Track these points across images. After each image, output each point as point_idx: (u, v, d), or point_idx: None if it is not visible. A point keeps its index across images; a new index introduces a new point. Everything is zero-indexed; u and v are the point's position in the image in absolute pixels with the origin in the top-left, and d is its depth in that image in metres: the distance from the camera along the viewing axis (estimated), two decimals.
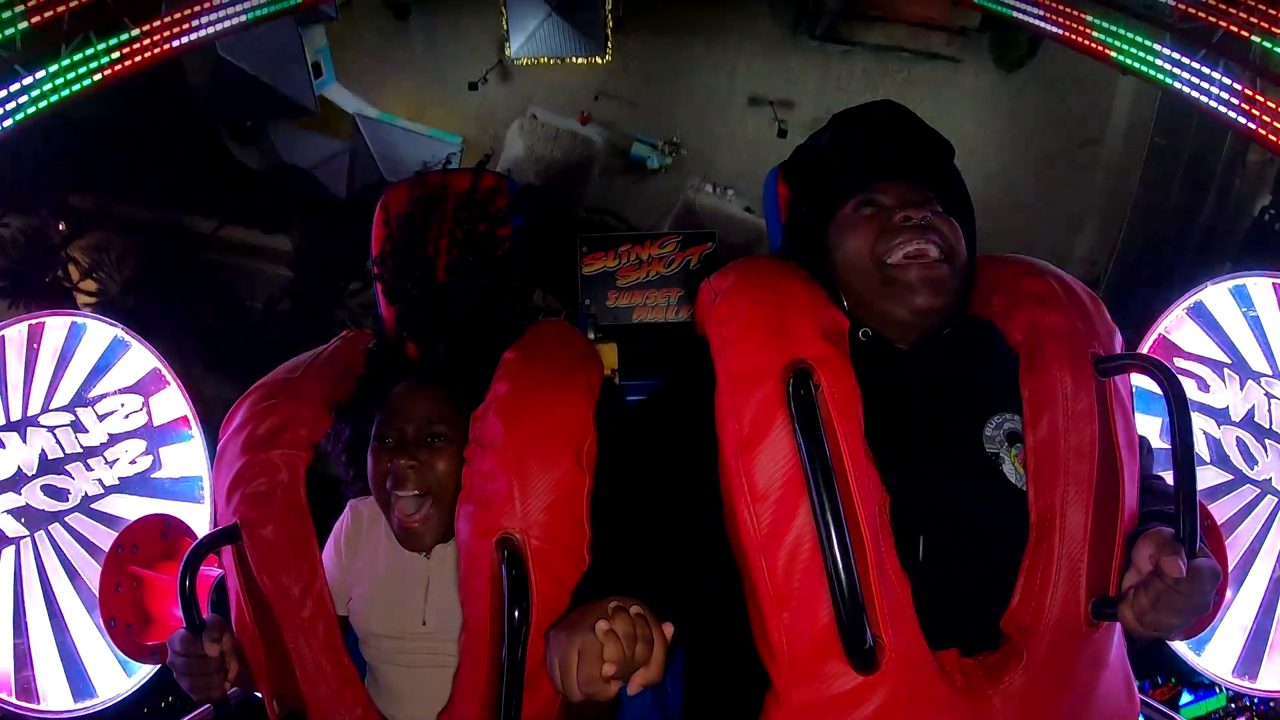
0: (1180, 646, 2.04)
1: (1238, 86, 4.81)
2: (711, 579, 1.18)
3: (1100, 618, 1.12)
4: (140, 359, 2.13)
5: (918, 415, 1.21)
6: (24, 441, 2.06)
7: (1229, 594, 2.02)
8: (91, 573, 2.04)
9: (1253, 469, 2.06)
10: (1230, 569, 1.99)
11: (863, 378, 1.14)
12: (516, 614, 1.18)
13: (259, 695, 1.37)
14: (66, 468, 2.09)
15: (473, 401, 1.34)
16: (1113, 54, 5.41)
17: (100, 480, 2.10)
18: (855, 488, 1.07)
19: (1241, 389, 2.07)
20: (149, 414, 2.12)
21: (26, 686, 2.05)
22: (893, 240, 1.23)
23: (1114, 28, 5.41)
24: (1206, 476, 2.07)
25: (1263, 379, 2.06)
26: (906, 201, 1.26)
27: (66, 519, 2.09)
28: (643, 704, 1.19)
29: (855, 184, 1.32)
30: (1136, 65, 5.31)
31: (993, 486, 1.18)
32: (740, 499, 1.10)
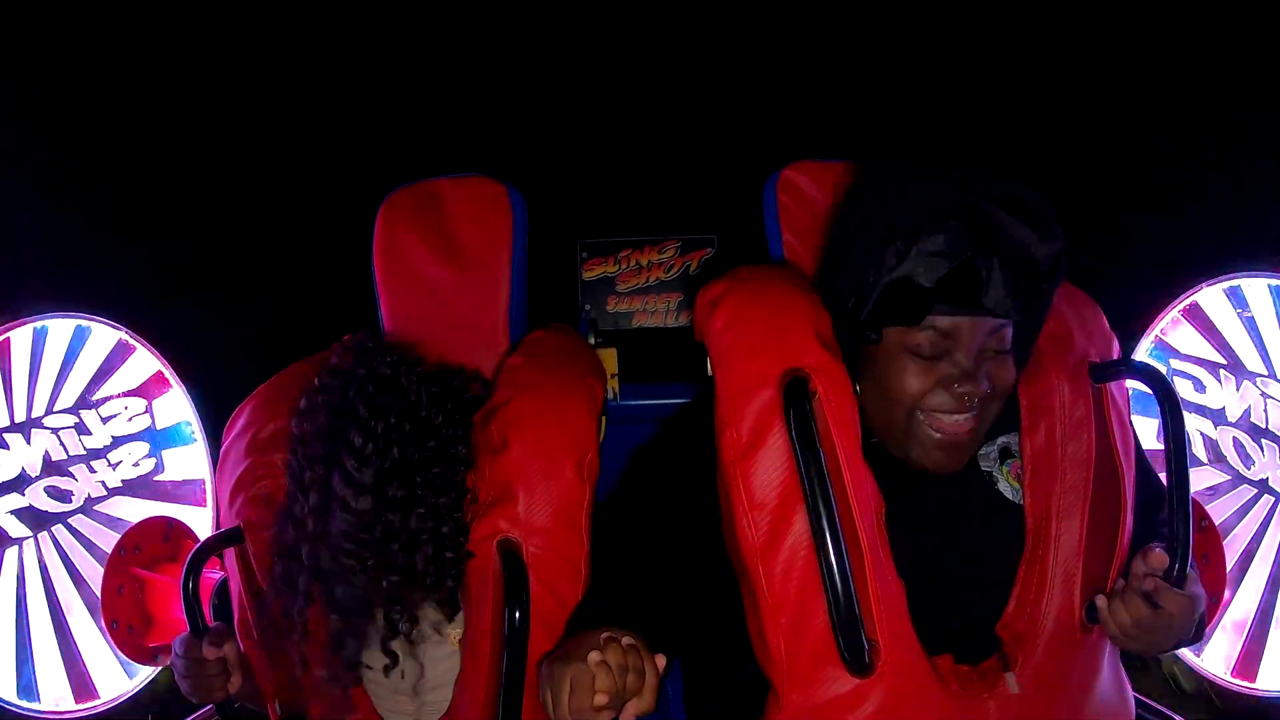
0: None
1: None
2: (711, 585, 1.19)
3: (1093, 620, 1.13)
4: (144, 362, 2.14)
5: None
6: (28, 443, 2.07)
7: (1227, 594, 2.03)
8: (94, 574, 2.04)
9: (1249, 469, 2.07)
10: (1228, 569, 2.00)
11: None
12: (517, 615, 1.18)
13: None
14: (70, 469, 2.10)
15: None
16: None
17: (103, 482, 2.11)
18: (852, 495, 1.07)
19: (1238, 389, 2.08)
20: (152, 417, 2.13)
21: (27, 686, 2.06)
22: (937, 401, 1.08)
23: None
24: (1203, 477, 2.08)
25: (1258, 379, 2.07)
26: (973, 366, 1.07)
27: (69, 520, 2.09)
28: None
29: (923, 302, 1.05)
30: None
31: (988, 503, 1.19)
32: (738, 506, 1.11)
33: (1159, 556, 1.05)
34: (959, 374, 1.08)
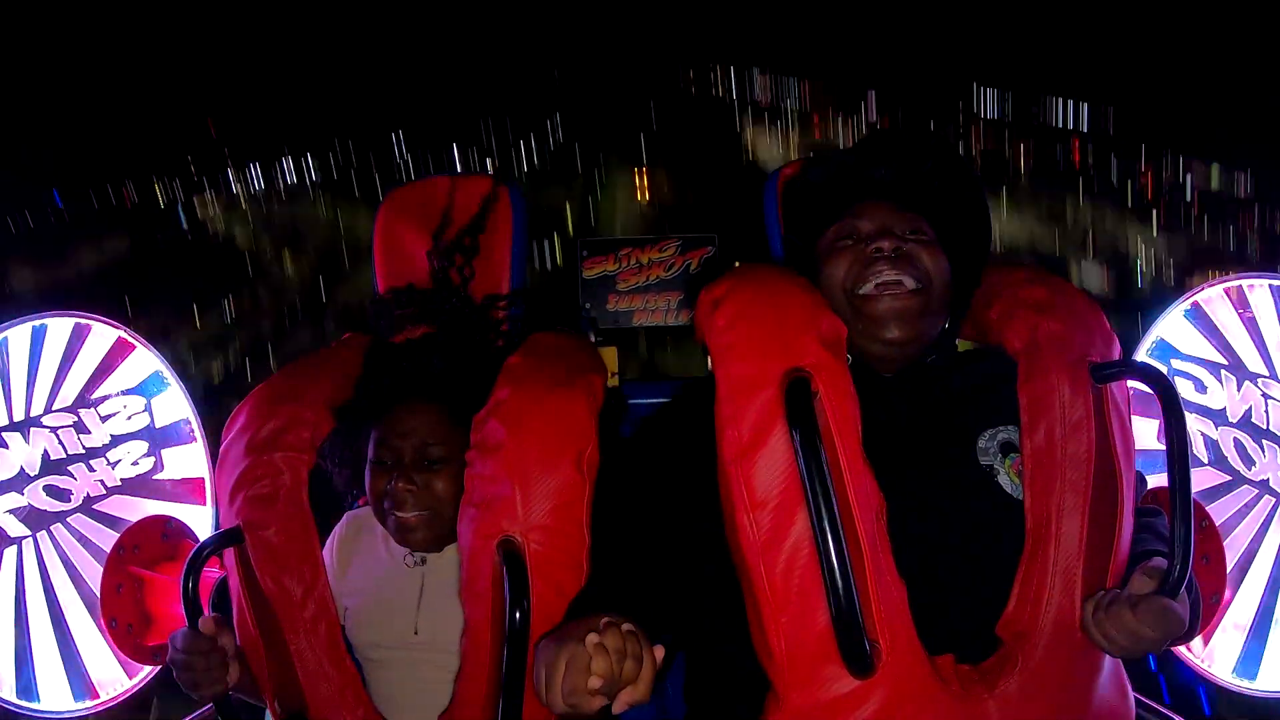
0: (1179, 647, 2.05)
1: None
2: (712, 583, 1.19)
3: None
4: (143, 361, 2.13)
5: (911, 432, 1.22)
6: (27, 442, 2.07)
7: (1227, 594, 2.02)
8: (93, 573, 2.04)
9: (1250, 470, 2.06)
10: (1228, 569, 2.00)
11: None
12: (517, 615, 1.18)
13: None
14: (69, 468, 2.09)
15: (471, 411, 1.34)
16: None
17: (102, 481, 2.11)
18: (853, 495, 1.07)
19: (1239, 390, 2.07)
20: (151, 415, 2.13)
21: (27, 686, 2.05)
22: (865, 271, 1.23)
23: None
24: (1204, 478, 2.07)
25: (1259, 380, 2.06)
26: (883, 229, 1.24)
27: (69, 519, 2.09)
28: (642, 705, 1.20)
29: (839, 208, 1.31)
30: None
31: (988, 497, 1.18)
32: (740, 505, 1.10)
33: (1147, 582, 1.07)
34: (868, 240, 1.24)
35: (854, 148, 1.36)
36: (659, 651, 0.99)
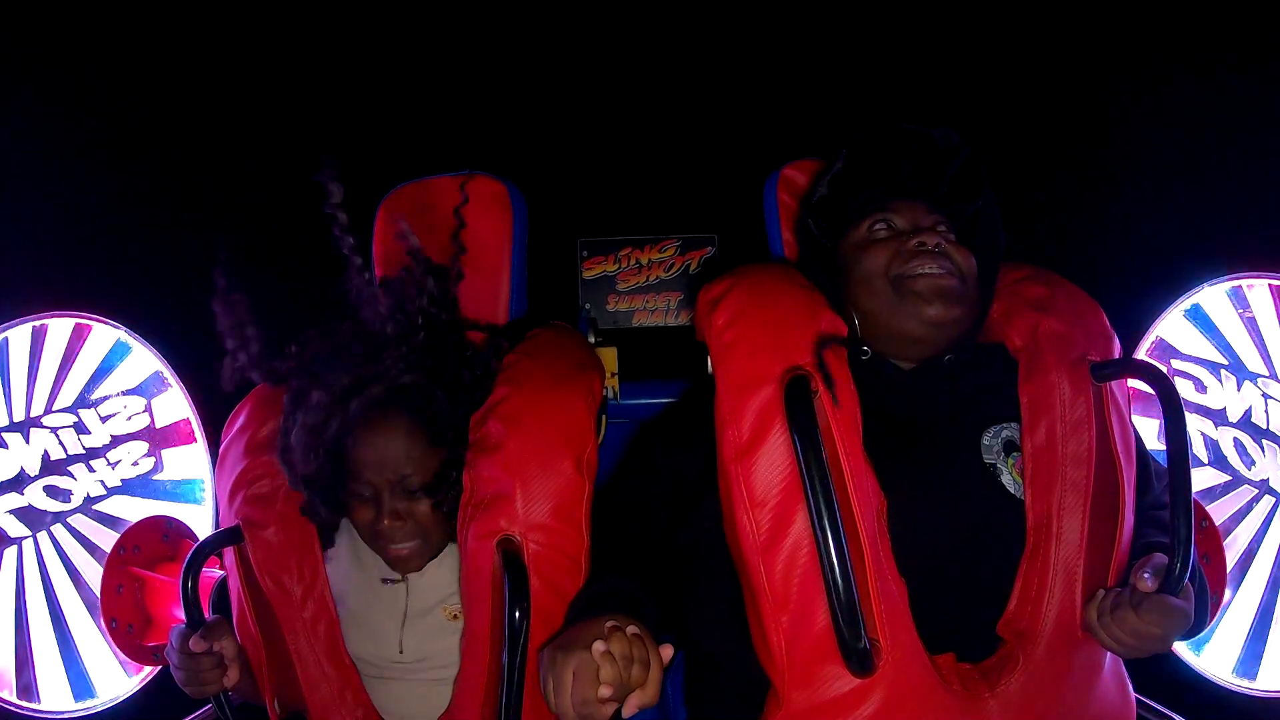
0: (1179, 647, 2.05)
1: None
2: (712, 583, 1.19)
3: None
4: (143, 361, 2.14)
5: (915, 427, 1.22)
6: (26, 442, 2.07)
7: (1227, 594, 2.03)
8: (93, 573, 2.04)
9: (1250, 469, 2.06)
10: (1229, 569, 2.00)
11: (861, 394, 1.15)
12: (517, 614, 1.18)
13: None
14: (69, 468, 2.09)
15: (445, 421, 1.32)
16: None
17: (102, 481, 2.11)
18: (853, 493, 1.07)
19: (1239, 390, 2.08)
20: (151, 416, 2.13)
21: (27, 686, 2.05)
22: (907, 263, 1.22)
23: None
24: (1204, 477, 2.08)
25: (1259, 380, 2.06)
26: (920, 226, 1.26)
27: (68, 520, 2.09)
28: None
29: (870, 204, 1.32)
30: None
31: (990, 496, 1.18)
32: (739, 504, 1.10)
33: (1147, 583, 1.06)
34: (907, 234, 1.25)
35: (883, 143, 1.35)
36: (666, 652, 0.98)
